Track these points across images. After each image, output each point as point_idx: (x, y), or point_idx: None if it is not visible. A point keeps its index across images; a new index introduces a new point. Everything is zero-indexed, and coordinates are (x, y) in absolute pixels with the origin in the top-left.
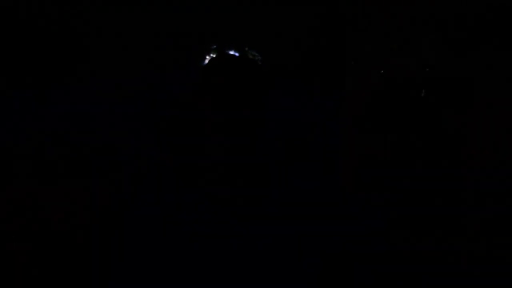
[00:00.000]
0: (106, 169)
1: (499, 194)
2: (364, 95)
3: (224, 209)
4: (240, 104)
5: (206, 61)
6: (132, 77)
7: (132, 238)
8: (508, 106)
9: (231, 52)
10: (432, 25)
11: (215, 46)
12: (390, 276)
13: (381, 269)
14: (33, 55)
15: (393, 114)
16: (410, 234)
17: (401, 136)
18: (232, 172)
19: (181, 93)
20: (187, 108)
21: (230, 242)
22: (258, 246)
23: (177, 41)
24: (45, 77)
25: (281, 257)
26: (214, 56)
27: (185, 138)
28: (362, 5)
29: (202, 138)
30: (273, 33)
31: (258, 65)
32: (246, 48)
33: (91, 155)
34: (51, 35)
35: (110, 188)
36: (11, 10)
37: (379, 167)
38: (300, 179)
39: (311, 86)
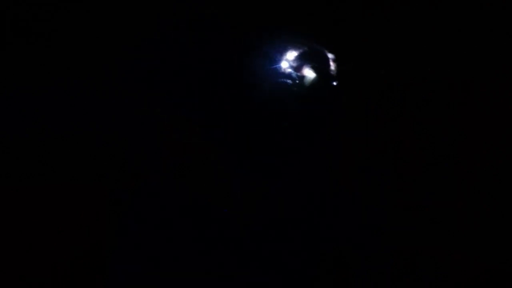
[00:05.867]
0: (105, 169)
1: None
2: (363, 94)
3: (222, 207)
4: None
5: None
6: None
7: (130, 233)
8: (506, 105)
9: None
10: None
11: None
12: (386, 274)
13: (377, 267)
14: (31, 50)
15: (393, 113)
16: (408, 232)
17: (399, 135)
18: (228, 169)
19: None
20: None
21: (226, 239)
22: (255, 245)
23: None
24: (43, 72)
25: (278, 255)
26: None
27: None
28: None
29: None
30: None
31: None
32: None
33: (91, 155)
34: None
35: (109, 188)
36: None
37: (377, 165)
38: (298, 177)
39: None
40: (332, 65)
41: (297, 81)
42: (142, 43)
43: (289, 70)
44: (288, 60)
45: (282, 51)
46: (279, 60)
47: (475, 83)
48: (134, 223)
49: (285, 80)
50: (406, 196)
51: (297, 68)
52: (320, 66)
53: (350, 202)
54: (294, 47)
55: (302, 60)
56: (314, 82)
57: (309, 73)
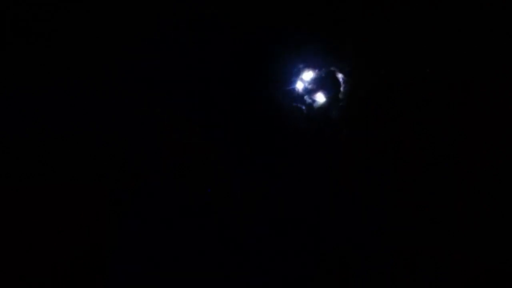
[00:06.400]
0: (105, 169)
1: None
2: (364, 94)
3: (222, 208)
4: None
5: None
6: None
7: (129, 233)
8: (506, 105)
9: None
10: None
11: None
12: (386, 274)
13: (377, 267)
14: (33, 52)
15: (393, 113)
16: (408, 232)
17: (399, 135)
18: (228, 169)
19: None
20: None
21: (226, 239)
22: (255, 244)
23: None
24: (43, 72)
25: (278, 255)
26: None
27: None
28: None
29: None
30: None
31: None
32: None
33: (91, 155)
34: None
35: (109, 188)
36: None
37: (377, 165)
38: (298, 177)
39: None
40: (343, 87)
41: (308, 103)
42: (142, 43)
43: (302, 94)
44: (303, 80)
45: (296, 70)
46: (294, 81)
47: (475, 83)
48: (134, 223)
49: (297, 104)
50: (406, 196)
51: (310, 92)
52: (331, 91)
53: (350, 202)
54: (310, 68)
55: (316, 83)
56: (323, 106)
57: (320, 98)
